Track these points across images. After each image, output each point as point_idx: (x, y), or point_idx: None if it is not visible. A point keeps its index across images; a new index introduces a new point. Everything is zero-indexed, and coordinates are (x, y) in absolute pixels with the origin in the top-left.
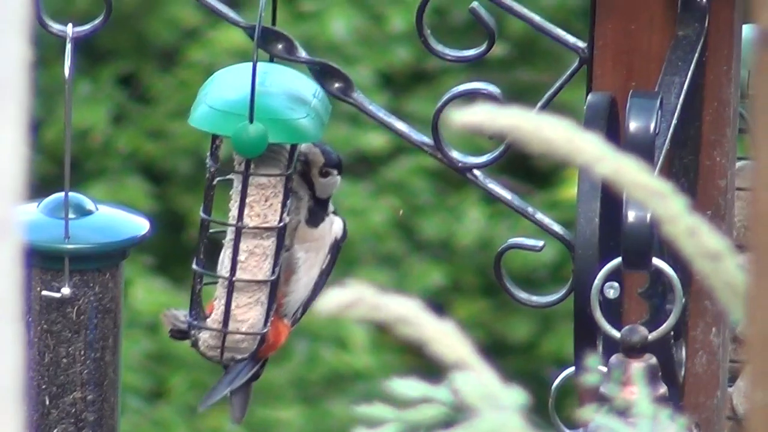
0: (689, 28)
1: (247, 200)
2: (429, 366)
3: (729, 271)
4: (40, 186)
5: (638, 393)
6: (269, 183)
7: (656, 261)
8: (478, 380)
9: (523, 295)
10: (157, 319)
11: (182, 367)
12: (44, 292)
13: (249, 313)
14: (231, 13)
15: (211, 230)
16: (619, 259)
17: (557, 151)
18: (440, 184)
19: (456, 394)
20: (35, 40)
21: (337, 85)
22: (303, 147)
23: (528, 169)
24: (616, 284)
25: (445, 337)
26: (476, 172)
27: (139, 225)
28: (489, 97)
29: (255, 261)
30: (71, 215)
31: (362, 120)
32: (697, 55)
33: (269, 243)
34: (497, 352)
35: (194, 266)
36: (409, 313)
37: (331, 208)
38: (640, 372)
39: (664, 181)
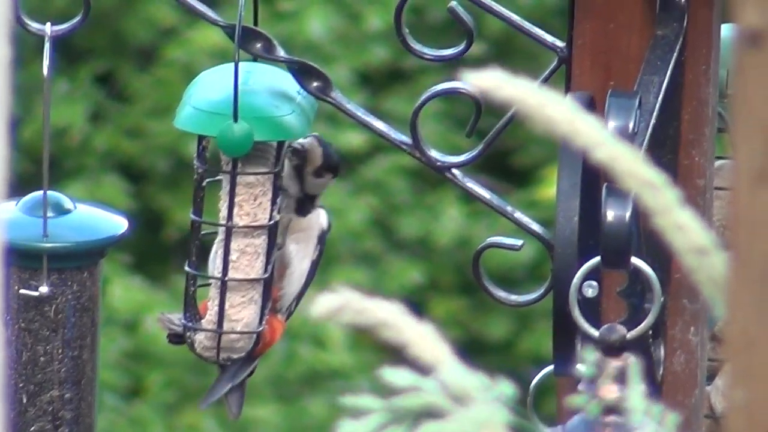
0: (668, 27)
1: (236, 199)
2: (407, 365)
3: (715, 267)
4: (17, 184)
5: (616, 391)
6: (257, 181)
7: (635, 260)
8: (460, 375)
9: (501, 293)
10: (135, 317)
11: (159, 365)
12: (22, 291)
13: (243, 312)
14: (210, 12)
15: (202, 231)
16: (598, 258)
17: (557, 129)
18: (418, 183)
19: (443, 386)
20: (13, 39)
21: (315, 84)
22: (307, 142)
23: (506, 168)
24: (594, 283)
25: (424, 340)
26: (455, 171)
27: (117, 224)
28: (468, 97)
29: (247, 260)
30: (49, 214)
31: (340, 119)
32: (675, 54)
33: (260, 241)
34: (475, 350)
35: (187, 268)
36: (390, 317)
37: (318, 202)
38: (618, 371)
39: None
